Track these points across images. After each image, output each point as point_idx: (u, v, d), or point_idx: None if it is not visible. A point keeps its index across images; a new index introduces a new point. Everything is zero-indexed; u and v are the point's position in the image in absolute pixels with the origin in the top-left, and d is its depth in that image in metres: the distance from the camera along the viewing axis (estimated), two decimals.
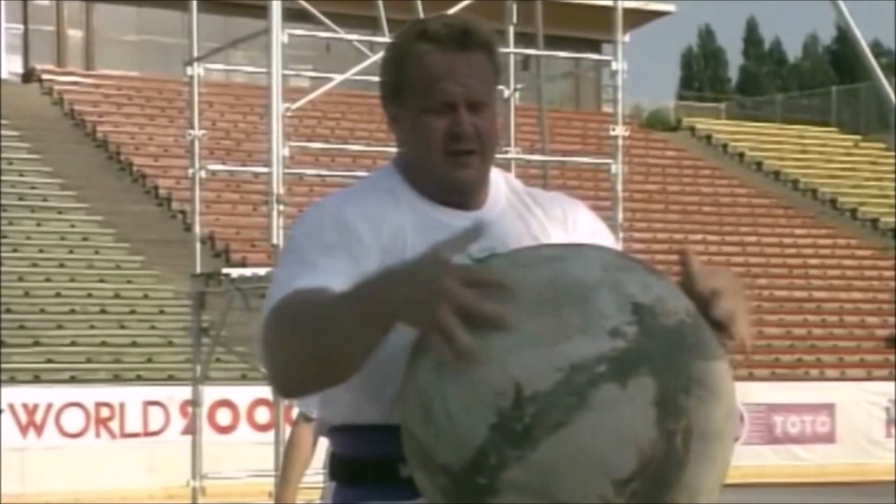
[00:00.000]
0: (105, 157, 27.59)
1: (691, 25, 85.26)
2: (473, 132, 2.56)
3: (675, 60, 63.36)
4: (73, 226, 24.26)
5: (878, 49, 52.01)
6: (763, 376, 23.53)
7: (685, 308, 2.27)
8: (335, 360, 2.30)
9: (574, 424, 2.15)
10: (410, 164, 2.62)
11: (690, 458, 2.20)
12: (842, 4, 13.22)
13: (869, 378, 24.46)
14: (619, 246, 2.84)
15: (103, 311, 21.50)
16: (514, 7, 12.40)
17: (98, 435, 18.48)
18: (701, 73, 60.14)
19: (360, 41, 12.35)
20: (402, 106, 2.59)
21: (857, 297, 28.01)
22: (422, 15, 10.40)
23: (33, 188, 25.24)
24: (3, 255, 22.06)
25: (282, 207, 10.16)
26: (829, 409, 22.83)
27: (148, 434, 18.58)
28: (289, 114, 10.47)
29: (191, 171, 11.45)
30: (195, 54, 11.43)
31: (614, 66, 11.82)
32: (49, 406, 18.27)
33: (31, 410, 18.16)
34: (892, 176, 30.60)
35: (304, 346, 2.31)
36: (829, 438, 22.72)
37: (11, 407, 17.95)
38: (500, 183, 2.69)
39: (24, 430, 18.05)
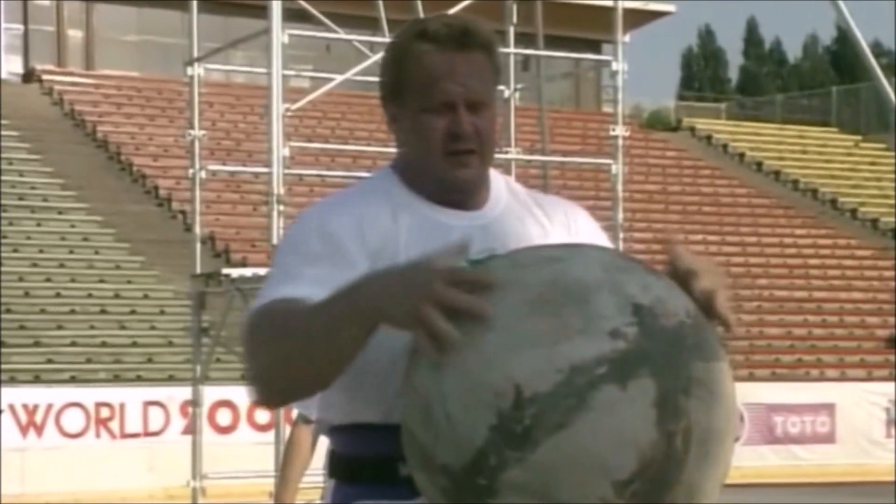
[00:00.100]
0: (105, 158, 27.57)
1: (691, 26, 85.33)
2: (473, 132, 2.56)
3: (676, 61, 63.51)
4: (73, 226, 24.25)
5: (878, 49, 52.00)
6: (763, 376, 23.53)
7: (685, 309, 2.27)
8: (315, 365, 2.31)
9: (574, 425, 2.14)
10: (410, 165, 2.62)
11: (690, 458, 2.20)
12: (842, 4, 13.20)
13: (869, 378, 24.45)
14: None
15: (103, 312, 21.49)
16: (514, 7, 12.40)
17: (98, 435, 18.47)
18: (701, 73, 60.15)
19: (360, 41, 12.35)
20: (401, 106, 2.59)
21: (857, 298, 28.01)
22: (422, 15, 10.38)
23: (33, 188, 25.22)
24: (3, 255, 22.05)
25: (282, 208, 10.15)
26: (829, 409, 22.82)
27: (148, 434, 18.57)
28: (289, 114, 10.46)
29: (191, 171, 11.45)
30: (195, 54, 11.43)
31: (614, 66, 11.82)
32: (49, 406, 18.26)
33: (31, 411, 18.15)
34: (892, 176, 30.59)
35: (282, 353, 2.32)
36: (829, 439, 22.70)
37: (11, 407, 17.94)
38: (501, 184, 2.69)
39: (24, 430, 18.04)
